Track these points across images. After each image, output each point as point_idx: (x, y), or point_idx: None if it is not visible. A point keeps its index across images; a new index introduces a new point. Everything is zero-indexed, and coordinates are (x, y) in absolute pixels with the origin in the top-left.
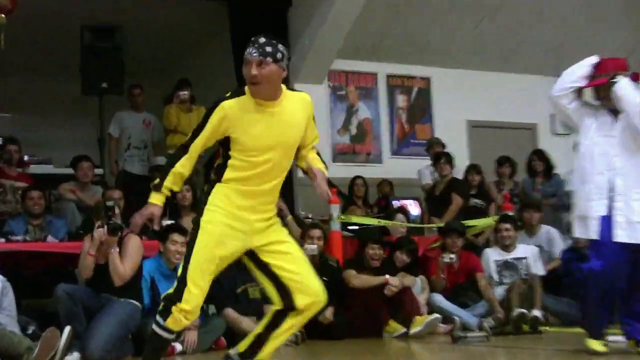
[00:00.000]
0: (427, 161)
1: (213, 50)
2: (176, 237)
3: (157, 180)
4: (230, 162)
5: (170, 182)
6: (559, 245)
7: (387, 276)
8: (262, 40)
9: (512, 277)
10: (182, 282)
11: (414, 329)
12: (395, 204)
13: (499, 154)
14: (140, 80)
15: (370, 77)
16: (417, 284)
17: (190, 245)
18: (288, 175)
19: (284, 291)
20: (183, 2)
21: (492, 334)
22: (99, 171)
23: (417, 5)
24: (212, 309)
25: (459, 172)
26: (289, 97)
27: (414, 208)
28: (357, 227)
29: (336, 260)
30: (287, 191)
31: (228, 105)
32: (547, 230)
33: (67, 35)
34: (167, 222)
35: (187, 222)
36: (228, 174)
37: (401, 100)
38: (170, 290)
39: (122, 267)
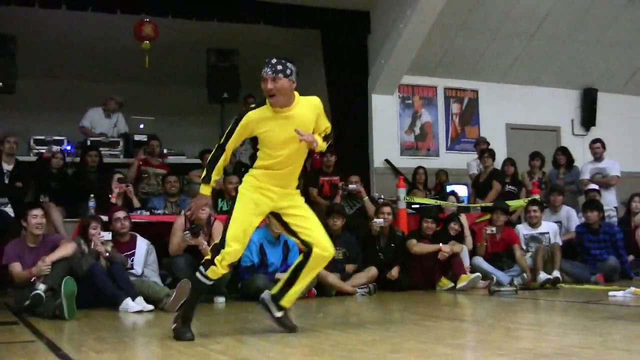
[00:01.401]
0: (474, 155)
1: (309, 66)
2: None
3: (204, 174)
4: (258, 153)
5: (216, 175)
6: (575, 221)
7: (441, 244)
8: (274, 60)
9: (537, 248)
10: (224, 238)
11: (460, 284)
12: (449, 188)
13: (530, 150)
14: (252, 91)
15: (431, 90)
16: (464, 250)
17: (231, 210)
18: (366, 165)
19: (304, 243)
20: (286, 29)
21: (519, 289)
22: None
23: (469, 36)
24: None
25: (498, 164)
26: (301, 102)
27: (462, 192)
28: (418, 206)
29: (402, 231)
30: (365, 178)
31: (252, 114)
32: (567, 210)
33: (196, 56)
34: None
35: None
36: (257, 162)
37: (455, 107)
38: (217, 241)
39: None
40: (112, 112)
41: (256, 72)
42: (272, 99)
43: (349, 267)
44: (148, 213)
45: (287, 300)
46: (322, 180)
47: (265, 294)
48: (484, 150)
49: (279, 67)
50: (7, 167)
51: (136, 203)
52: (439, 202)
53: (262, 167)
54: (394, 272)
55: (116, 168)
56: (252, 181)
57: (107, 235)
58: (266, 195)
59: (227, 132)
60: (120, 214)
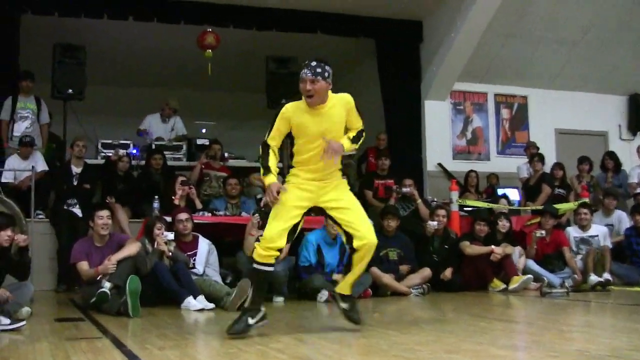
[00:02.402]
0: (524, 159)
1: (363, 72)
2: None
3: (262, 171)
4: (294, 149)
5: (273, 165)
6: (626, 224)
7: (493, 246)
8: (314, 63)
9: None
10: (265, 225)
11: (512, 286)
12: (500, 191)
13: (579, 154)
14: None
15: (482, 95)
16: (516, 252)
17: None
18: (419, 168)
19: (348, 235)
20: (342, 38)
21: (570, 291)
22: (279, 164)
23: (517, 43)
24: None
25: (547, 168)
26: (334, 99)
27: (514, 195)
28: (470, 209)
29: (455, 233)
30: (419, 181)
31: (290, 105)
32: (619, 214)
33: (256, 63)
34: None
35: None
36: (295, 158)
37: (505, 113)
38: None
39: (250, 243)
40: (168, 117)
41: None
42: (311, 100)
43: (403, 268)
44: (209, 214)
45: (342, 287)
46: (376, 183)
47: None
48: (534, 154)
49: (318, 70)
50: (76, 169)
51: (198, 205)
52: (490, 205)
53: (299, 163)
54: (447, 273)
55: (179, 171)
56: (292, 178)
57: (170, 236)
58: (306, 190)
59: (269, 128)
60: (183, 215)
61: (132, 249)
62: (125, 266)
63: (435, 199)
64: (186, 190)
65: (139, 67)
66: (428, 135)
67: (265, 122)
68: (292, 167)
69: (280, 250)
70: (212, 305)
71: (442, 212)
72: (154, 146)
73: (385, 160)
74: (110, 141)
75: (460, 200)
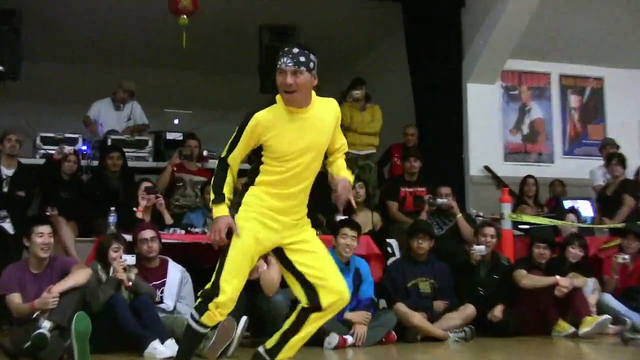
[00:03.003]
0: (599, 161)
1: (386, 48)
2: (346, 230)
3: (212, 197)
4: (262, 167)
5: (228, 192)
6: None
7: (558, 277)
8: (296, 50)
9: None
10: (218, 278)
11: (584, 329)
12: (567, 203)
13: None
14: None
15: (543, 77)
16: (588, 285)
17: (227, 244)
18: (459, 173)
19: (310, 289)
20: (358, 2)
21: None
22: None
23: (592, 4)
24: (382, 303)
25: (630, 173)
26: (319, 103)
27: (585, 208)
28: (528, 227)
29: (507, 259)
30: (459, 189)
31: (261, 115)
32: None
33: (246, 34)
34: (340, 217)
35: (360, 217)
36: (261, 177)
37: (574, 100)
38: (207, 286)
39: (272, 277)
40: (122, 103)
41: (320, 54)
42: (290, 96)
43: (439, 305)
44: (183, 232)
45: (285, 353)
46: (403, 192)
47: (260, 348)
48: (612, 155)
49: (302, 59)
50: (7, 171)
51: (168, 219)
52: (554, 222)
53: (265, 185)
54: (497, 311)
55: (144, 174)
56: (253, 204)
57: (131, 260)
58: (268, 227)
59: (229, 142)
60: (148, 233)
61: (79, 277)
62: (71, 300)
63: (481, 214)
64: (152, 200)
65: (91, 39)
66: (471, 129)
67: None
68: (248, 184)
69: None
70: None
71: (490, 230)
72: (109, 142)
73: (415, 161)
74: (52, 135)
75: (514, 215)
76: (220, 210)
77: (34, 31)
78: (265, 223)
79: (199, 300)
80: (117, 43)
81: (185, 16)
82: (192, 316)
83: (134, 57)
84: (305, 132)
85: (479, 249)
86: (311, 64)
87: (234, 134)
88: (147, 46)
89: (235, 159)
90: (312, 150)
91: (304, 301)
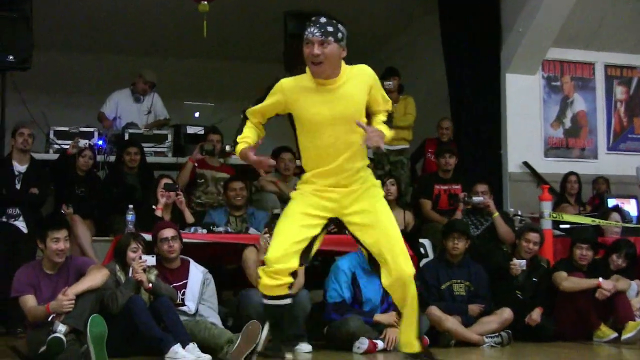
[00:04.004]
0: None
1: (419, 36)
2: None
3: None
4: (300, 144)
5: (249, 135)
6: None
7: (600, 279)
8: (323, 20)
9: None
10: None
11: (627, 335)
12: (611, 202)
13: None
14: None
15: (587, 67)
16: (632, 288)
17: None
18: (497, 169)
19: (376, 265)
20: None
21: None
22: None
23: None
24: None
25: None
26: (348, 72)
27: (630, 207)
28: (569, 226)
29: (547, 260)
30: (496, 186)
31: (285, 81)
32: None
33: (270, 21)
34: None
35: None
36: (303, 160)
37: (620, 91)
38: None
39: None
40: (142, 95)
41: (349, 43)
42: (318, 68)
43: (474, 308)
44: (205, 231)
45: (405, 344)
46: (437, 189)
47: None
48: None
49: (330, 29)
50: (20, 167)
51: (189, 217)
52: (597, 222)
53: (309, 166)
54: (536, 315)
55: (163, 170)
56: (304, 187)
57: (151, 260)
58: (325, 197)
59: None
60: (169, 231)
61: (96, 278)
62: (87, 302)
63: (520, 213)
64: (172, 197)
65: (106, 26)
66: (510, 122)
67: None
68: (301, 172)
69: (294, 274)
70: (207, 357)
71: (534, 237)
72: (127, 136)
73: (450, 157)
74: (66, 129)
75: (554, 215)
76: (237, 149)
77: (45, 18)
78: (321, 195)
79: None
80: (135, 31)
81: (206, 2)
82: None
83: (152, 46)
84: (333, 104)
85: (520, 263)
86: (339, 34)
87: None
88: (165, 34)
89: (255, 115)
90: (342, 121)
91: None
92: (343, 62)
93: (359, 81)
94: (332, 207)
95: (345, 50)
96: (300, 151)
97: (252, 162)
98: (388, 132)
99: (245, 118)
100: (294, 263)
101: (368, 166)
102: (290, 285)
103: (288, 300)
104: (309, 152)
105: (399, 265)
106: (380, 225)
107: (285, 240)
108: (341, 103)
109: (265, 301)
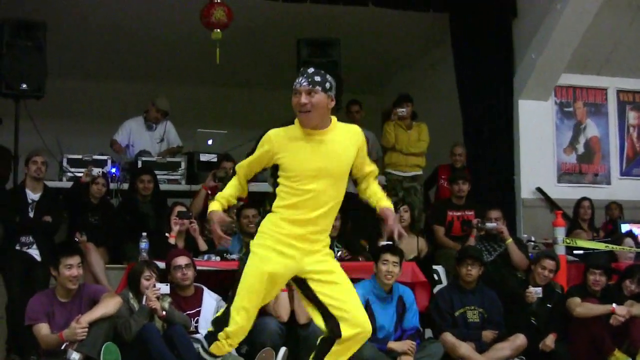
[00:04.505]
0: None
1: (432, 63)
2: (387, 256)
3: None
4: (278, 189)
5: (227, 194)
6: None
7: (614, 305)
8: (311, 70)
9: None
10: (229, 307)
11: None
12: (624, 227)
13: None
14: (357, 94)
15: (600, 93)
16: None
17: (240, 270)
18: (510, 195)
19: (332, 319)
20: (401, 13)
21: None
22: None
23: None
24: (428, 333)
25: None
26: (338, 128)
27: None
28: (582, 252)
29: (560, 286)
30: (509, 212)
31: (274, 133)
32: None
33: (283, 48)
34: (384, 243)
35: (405, 243)
36: (277, 202)
37: (632, 117)
38: (219, 313)
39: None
40: (155, 123)
41: (362, 70)
42: (306, 116)
43: (487, 335)
44: (218, 258)
45: None
46: (450, 216)
47: None
48: None
49: (317, 78)
50: (33, 195)
51: (202, 245)
52: (610, 247)
53: (282, 210)
54: (549, 341)
55: (176, 198)
56: (268, 231)
57: (165, 288)
58: (285, 254)
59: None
60: (183, 259)
61: (110, 306)
62: (101, 330)
63: (533, 238)
64: (186, 224)
65: (119, 54)
66: (523, 148)
67: None
68: (268, 212)
69: None
70: None
71: (550, 264)
72: (140, 164)
73: (464, 184)
74: (79, 156)
75: (568, 240)
76: (211, 206)
77: (59, 46)
78: (282, 251)
79: (210, 329)
80: (148, 59)
81: (219, 30)
82: (202, 345)
83: (165, 73)
84: (321, 154)
85: (536, 291)
86: (327, 84)
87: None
88: (178, 62)
89: (243, 167)
90: (329, 173)
91: (325, 331)
92: (334, 118)
93: (349, 139)
94: (292, 266)
95: (334, 101)
96: (277, 194)
97: (212, 229)
98: (390, 205)
99: (234, 173)
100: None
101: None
102: None
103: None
104: (286, 199)
105: (365, 320)
106: (346, 285)
107: (252, 310)
108: (329, 155)
109: (207, 357)
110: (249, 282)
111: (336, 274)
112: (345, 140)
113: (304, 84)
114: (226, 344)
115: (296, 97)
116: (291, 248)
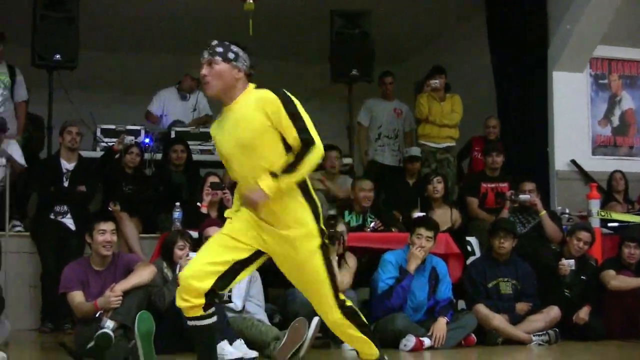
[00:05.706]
0: None
1: (466, 34)
2: (422, 230)
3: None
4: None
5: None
6: None
7: None
8: (215, 42)
9: None
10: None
11: None
12: None
13: None
14: (389, 67)
15: (635, 65)
16: None
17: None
18: (544, 168)
19: None
20: None
21: None
22: (347, 160)
23: None
24: (461, 304)
25: None
26: (247, 96)
27: None
28: (617, 224)
29: (595, 259)
30: (543, 185)
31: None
32: None
33: (316, 21)
34: (417, 214)
35: (438, 214)
36: None
37: None
38: None
39: (341, 279)
40: (189, 92)
41: (395, 41)
42: (205, 87)
43: (521, 307)
44: None
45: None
46: (484, 188)
47: None
48: None
49: (218, 49)
50: (68, 165)
51: None
52: None
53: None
54: (583, 314)
55: (209, 168)
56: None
57: None
58: (254, 224)
59: None
60: (215, 229)
61: (144, 275)
62: (135, 299)
63: (567, 211)
64: (219, 195)
65: (151, 26)
66: (557, 120)
67: (328, 101)
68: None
69: (208, 294)
70: (254, 354)
71: (586, 236)
72: (173, 134)
73: (497, 156)
74: (113, 127)
75: (602, 213)
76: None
77: (91, 18)
78: (257, 223)
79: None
80: (179, 30)
81: (251, 1)
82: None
83: (197, 44)
84: (232, 129)
85: (569, 263)
86: (230, 54)
87: None
88: (210, 34)
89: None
90: (236, 144)
91: None
92: (251, 86)
93: (254, 104)
94: (260, 242)
95: (242, 71)
96: None
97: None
98: (271, 185)
99: None
100: (207, 284)
101: (417, 160)
102: (206, 306)
103: (210, 320)
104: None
105: (324, 315)
106: (304, 273)
107: (202, 258)
108: (239, 127)
109: (188, 322)
110: (211, 238)
111: (299, 265)
112: (249, 106)
113: (205, 56)
114: (177, 296)
115: (200, 71)
116: (261, 231)
